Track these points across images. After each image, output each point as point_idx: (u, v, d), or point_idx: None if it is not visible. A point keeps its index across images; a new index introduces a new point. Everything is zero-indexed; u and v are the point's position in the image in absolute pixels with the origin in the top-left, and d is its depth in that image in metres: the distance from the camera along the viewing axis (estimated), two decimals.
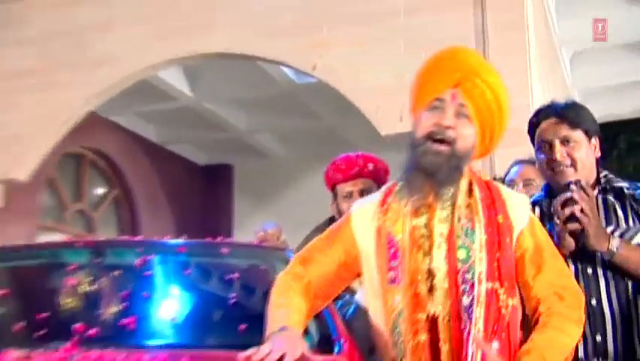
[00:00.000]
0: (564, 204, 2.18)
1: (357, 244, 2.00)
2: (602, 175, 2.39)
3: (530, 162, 3.28)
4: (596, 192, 2.36)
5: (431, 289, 1.85)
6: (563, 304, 1.86)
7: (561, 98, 2.67)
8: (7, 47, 7.63)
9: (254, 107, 9.74)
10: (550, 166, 2.34)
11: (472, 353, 1.78)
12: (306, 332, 2.07)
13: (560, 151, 2.30)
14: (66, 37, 7.38)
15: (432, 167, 1.87)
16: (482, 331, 1.79)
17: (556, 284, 1.89)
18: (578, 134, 2.31)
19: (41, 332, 2.18)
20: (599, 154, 2.37)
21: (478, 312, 1.79)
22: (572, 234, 2.21)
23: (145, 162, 10.59)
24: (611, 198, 2.34)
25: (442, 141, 1.88)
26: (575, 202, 2.16)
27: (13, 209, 7.58)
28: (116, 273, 2.68)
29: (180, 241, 3.13)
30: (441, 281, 1.84)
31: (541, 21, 6.77)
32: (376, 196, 2.09)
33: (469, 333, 1.80)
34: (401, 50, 6.10)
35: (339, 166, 3.32)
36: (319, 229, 3.30)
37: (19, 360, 1.76)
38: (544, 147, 2.36)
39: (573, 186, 2.20)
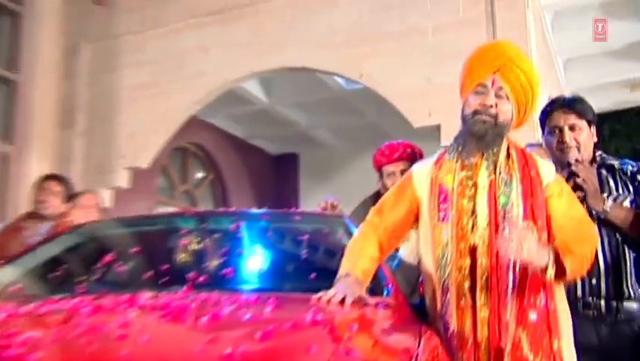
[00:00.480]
0: (568, 178, 2.20)
1: (417, 194, 2.06)
2: (597, 154, 2.43)
3: (538, 145, 3.31)
4: (593, 167, 2.37)
5: (473, 227, 1.90)
6: (579, 231, 1.94)
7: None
8: (130, 68, 7.67)
9: (313, 108, 9.70)
10: (559, 147, 2.38)
11: (512, 264, 1.81)
12: None
13: (568, 135, 2.34)
14: (172, 59, 7.41)
15: (480, 132, 1.95)
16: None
17: (574, 217, 1.95)
18: (582, 123, 2.36)
19: (164, 280, 2.22)
20: (595, 139, 2.41)
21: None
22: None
23: (232, 152, 10.67)
24: (604, 172, 2.37)
25: (481, 114, 1.95)
26: (577, 176, 2.19)
27: (137, 189, 7.71)
28: (216, 235, 2.69)
29: (262, 211, 3.18)
30: (482, 220, 1.90)
31: (540, 35, 6.64)
32: (430, 160, 2.13)
33: (507, 266, 1.83)
34: (429, 60, 6.03)
35: (384, 152, 3.31)
36: (366, 202, 3.39)
37: (150, 299, 1.76)
38: (554, 131, 2.40)
39: (577, 163, 2.25)
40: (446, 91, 5.68)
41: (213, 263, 2.55)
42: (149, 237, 2.99)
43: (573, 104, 2.42)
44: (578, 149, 2.35)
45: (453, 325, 1.88)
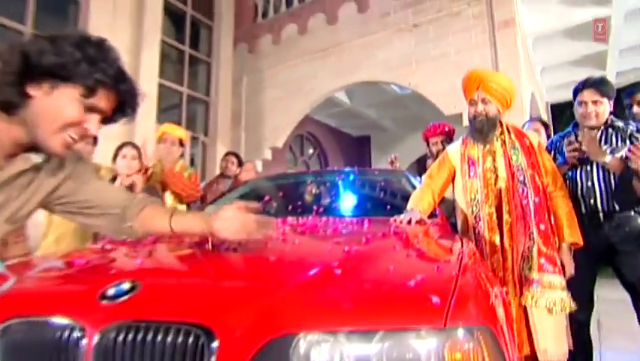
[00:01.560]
0: (569, 144, 2.14)
1: (452, 163, 2.01)
2: (609, 119, 2.18)
3: (537, 119, 3.10)
4: (603, 127, 2.17)
5: (496, 180, 1.85)
6: (560, 184, 1.88)
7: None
8: (270, 89, 7.80)
9: (379, 106, 9.46)
10: (582, 115, 2.17)
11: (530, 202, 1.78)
12: None
13: (590, 108, 2.14)
14: (294, 82, 7.46)
15: (479, 128, 1.92)
16: (532, 189, 1.78)
17: (555, 174, 1.88)
18: (603, 99, 2.15)
19: (299, 210, 2.19)
20: (611, 109, 2.19)
21: (528, 183, 1.77)
22: (573, 157, 2.13)
23: (329, 136, 10.60)
24: (610, 130, 2.16)
25: (478, 117, 1.91)
26: (576, 142, 2.10)
27: (275, 160, 7.81)
28: (327, 184, 2.66)
29: (352, 169, 3.06)
30: (502, 173, 1.84)
31: (525, 52, 6.26)
32: (457, 143, 2.09)
33: (526, 195, 1.79)
34: (453, 72, 5.76)
35: (430, 129, 3.20)
36: (413, 163, 3.32)
37: (293, 220, 1.76)
38: (582, 104, 2.18)
39: (584, 133, 2.11)
40: None
41: (326, 200, 2.50)
42: (288, 186, 2.94)
43: (597, 85, 2.19)
44: (597, 118, 2.16)
45: (486, 238, 1.82)
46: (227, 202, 2.66)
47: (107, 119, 1.03)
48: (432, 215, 1.97)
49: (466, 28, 5.99)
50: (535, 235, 1.76)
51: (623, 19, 6.54)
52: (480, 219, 1.86)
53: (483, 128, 1.93)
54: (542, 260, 1.72)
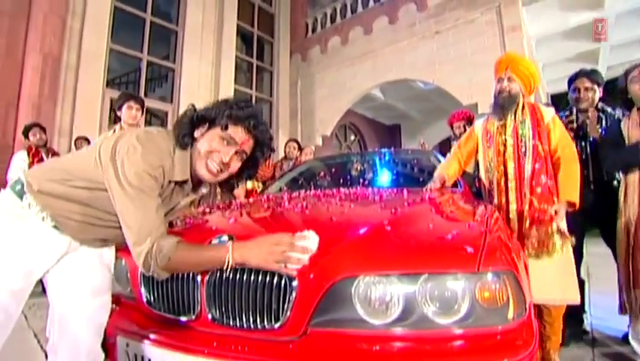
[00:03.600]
0: (577, 119, 2.01)
1: (477, 136, 1.88)
2: (599, 104, 2.08)
3: (545, 104, 2.91)
4: (596, 112, 2.05)
5: (505, 150, 1.71)
6: (567, 152, 1.67)
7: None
8: (319, 89, 7.72)
9: (407, 100, 9.08)
10: (576, 99, 2.06)
11: (530, 168, 1.64)
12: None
13: (583, 93, 2.04)
14: (338, 83, 7.34)
15: (501, 103, 1.74)
16: (531, 158, 1.64)
17: (564, 143, 1.67)
18: (593, 85, 2.04)
19: (348, 183, 2.14)
20: (601, 94, 2.07)
21: (528, 153, 1.64)
22: (573, 130, 1.99)
23: (367, 125, 10.34)
24: (601, 114, 2.04)
25: (502, 93, 1.74)
26: (582, 121, 1.96)
27: (325, 146, 7.74)
28: (370, 162, 2.51)
29: (388, 150, 2.96)
30: (509, 145, 1.70)
31: (530, 52, 5.83)
32: (482, 119, 1.94)
33: (523, 163, 1.66)
34: (470, 69, 5.50)
35: (454, 115, 3.03)
36: (439, 144, 3.15)
37: (345, 191, 1.70)
38: (576, 90, 2.08)
39: (585, 113, 1.99)
40: (480, 84, 5.29)
41: (370, 175, 2.39)
42: (338, 164, 2.80)
43: (589, 74, 2.08)
44: (588, 101, 2.04)
45: (496, 200, 1.73)
46: (290, 178, 2.74)
47: (249, 159, 1.01)
48: (456, 185, 1.89)
49: (479, 33, 5.63)
50: (529, 196, 1.64)
51: (614, 21, 6.03)
52: (493, 184, 1.76)
53: (504, 104, 1.76)
54: (536, 215, 1.61)
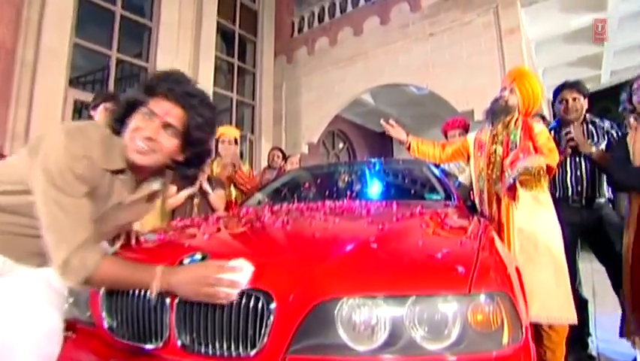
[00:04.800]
0: (566, 133, 2.06)
1: (469, 143, 1.98)
2: (587, 116, 2.19)
3: (535, 114, 3.02)
4: (584, 124, 2.16)
5: (496, 158, 1.80)
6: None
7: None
8: (306, 93, 7.76)
9: (399, 106, 9.16)
10: (564, 110, 2.16)
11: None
12: (440, 193, 2.05)
13: (571, 104, 2.14)
14: (326, 86, 7.40)
15: (494, 110, 1.88)
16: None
17: (544, 145, 1.75)
18: (579, 96, 2.15)
19: (334, 195, 2.17)
20: (587, 106, 2.18)
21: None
22: (570, 147, 2.06)
23: (356, 132, 10.42)
24: (590, 126, 2.15)
25: (499, 100, 1.86)
26: (571, 134, 2.04)
27: (311, 154, 7.77)
28: (358, 173, 2.56)
29: (379, 160, 2.98)
30: (500, 151, 1.80)
31: (529, 56, 5.98)
32: (475, 132, 2.05)
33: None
34: (465, 73, 5.64)
35: (449, 123, 3.08)
36: None
37: (330, 204, 1.74)
38: (562, 101, 2.17)
39: (573, 126, 2.07)
40: (476, 90, 5.40)
41: (358, 187, 2.43)
42: (324, 175, 2.86)
43: (574, 85, 2.20)
44: (576, 111, 2.15)
45: (487, 211, 1.82)
46: (272, 189, 2.74)
47: (191, 140, 0.98)
48: (450, 198, 1.93)
49: (476, 35, 5.77)
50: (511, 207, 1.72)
51: (617, 24, 6.23)
52: (483, 193, 1.84)
53: (497, 110, 1.89)
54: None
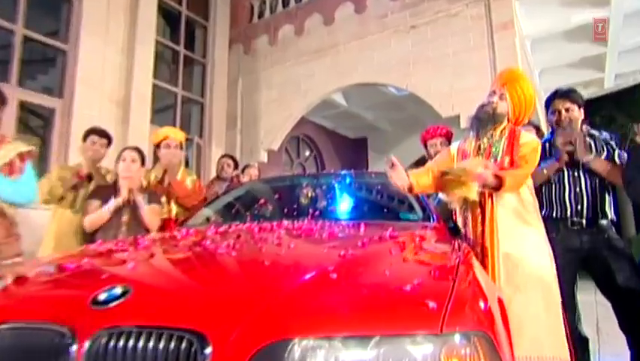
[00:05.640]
0: (564, 137, 2.19)
1: (453, 156, 2.05)
2: (584, 127, 2.31)
3: (528, 123, 3.17)
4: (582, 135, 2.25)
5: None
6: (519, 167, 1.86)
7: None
8: (266, 90, 7.77)
9: (376, 108, 9.42)
10: (557, 122, 2.30)
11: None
12: (417, 212, 2.12)
13: (564, 115, 2.26)
14: (290, 83, 7.45)
15: (479, 117, 1.97)
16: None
17: (523, 157, 1.86)
18: (573, 106, 2.26)
19: (294, 213, 2.20)
20: (583, 116, 2.30)
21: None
22: (567, 153, 2.18)
23: (326, 138, 10.55)
24: (588, 139, 2.25)
25: (486, 107, 1.96)
26: (569, 139, 2.16)
27: (271, 163, 7.77)
28: (323, 187, 2.61)
29: (349, 172, 3.01)
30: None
31: (523, 54, 6.28)
32: (459, 141, 2.14)
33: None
34: (451, 73, 5.86)
35: (429, 131, 3.18)
36: (412, 165, 3.31)
37: (289, 224, 1.75)
38: (555, 112, 2.30)
39: (565, 129, 2.22)
40: (463, 92, 5.61)
41: (323, 203, 2.46)
42: (284, 189, 2.92)
43: (567, 94, 2.33)
44: (570, 122, 2.27)
45: (471, 234, 1.89)
46: (221, 205, 2.72)
47: None
48: (428, 218, 1.97)
49: (464, 29, 6.02)
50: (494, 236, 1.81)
51: (622, 21, 6.59)
52: (467, 211, 1.91)
53: (484, 119, 1.97)
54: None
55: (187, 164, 7.09)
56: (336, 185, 2.63)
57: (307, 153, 10.47)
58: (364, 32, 6.86)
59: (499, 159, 1.88)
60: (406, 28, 6.48)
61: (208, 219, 2.37)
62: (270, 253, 1.18)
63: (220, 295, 0.91)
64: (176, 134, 3.14)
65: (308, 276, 0.96)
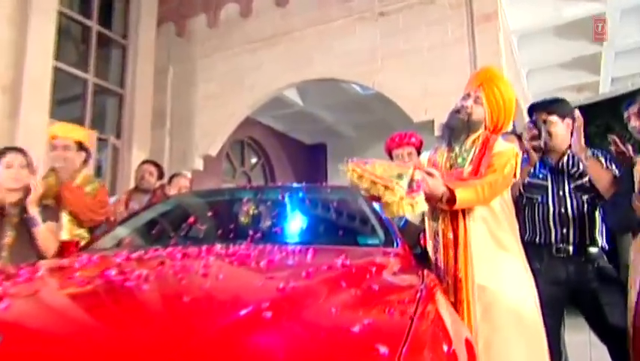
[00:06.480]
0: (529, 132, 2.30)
1: (424, 166, 2.07)
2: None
3: (510, 132, 3.28)
4: (571, 153, 2.33)
5: None
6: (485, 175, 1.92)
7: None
8: (203, 83, 7.76)
9: (337, 109, 9.61)
10: (532, 137, 2.39)
11: None
12: (377, 236, 2.14)
13: (543, 130, 2.34)
14: (233, 75, 7.47)
15: (452, 125, 2.03)
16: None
17: (491, 168, 1.93)
18: (553, 117, 2.32)
19: (231, 235, 2.19)
20: (571, 129, 2.33)
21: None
22: (534, 149, 2.28)
23: (276, 143, 10.66)
24: (577, 157, 2.30)
25: (460, 112, 2.02)
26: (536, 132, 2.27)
27: (208, 172, 7.77)
28: (268, 203, 2.64)
29: (301, 185, 3.11)
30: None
31: (509, 52, 6.59)
32: (430, 151, 2.20)
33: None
34: (425, 71, 6.04)
35: (394, 139, 3.23)
36: None
37: (222, 249, 1.74)
38: (535, 125, 2.39)
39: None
40: (438, 94, 5.77)
41: (266, 224, 2.48)
42: (220, 204, 2.93)
43: (546, 105, 2.40)
44: (551, 137, 2.33)
45: (441, 262, 1.94)
46: (139, 224, 2.65)
47: None
48: (391, 243, 2.02)
49: (440, 20, 6.23)
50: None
51: (619, 17, 6.98)
52: (438, 237, 1.96)
53: (457, 127, 2.03)
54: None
55: (98, 171, 6.87)
56: (283, 201, 2.64)
57: (253, 161, 10.53)
58: (325, 18, 6.98)
59: (466, 165, 1.96)
60: (374, 15, 6.65)
61: (120, 242, 2.32)
62: (191, 287, 1.17)
63: (123, 343, 0.88)
64: (67, 133, 3.08)
65: (235, 316, 0.95)
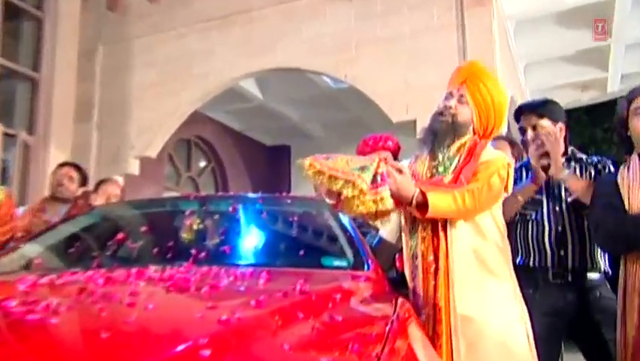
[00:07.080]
0: (537, 148, 2.31)
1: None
2: (569, 149, 2.45)
3: (501, 137, 3.33)
4: (564, 159, 2.38)
5: None
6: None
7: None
8: (140, 68, 7.69)
9: (304, 104, 9.67)
10: (523, 142, 2.47)
11: None
12: (345, 256, 2.16)
13: (531, 135, 2.39)
14: (178, 60, 7.42)
15: (436, 129, 2.06)
16: None
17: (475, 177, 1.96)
18: (542, 121, 2.37)
19: (169, 255, 2.17)
20: (564, 133, 2.40)
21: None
22: (543, 170, 2.29)
23: (230, 143, 10.63)
24: (573, 163, 2.40)
25: (443, 115, 2.05)
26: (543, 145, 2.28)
27: (146, 177, 7.66)
28: (216, 216, 2.64)
29: (257, 195, 3.10)
30: None
31: (504, 41, 6.71)
32: (409, 159, 2.23)
33: None
34: (406, 62, 6.11)
35: (367, 142, 3.26)
36: None
37: (156, 272, 1.72)
38: (522, 131, 2.46)
39: (546, 135, 2.32)
40: (422, 89, 5.83)
41: (213, 241, 2.49)
42: (157, 217, 2.95)
43: (535, 107, 2.47)
44: (541, 145, 2.36)
45: (420, 288, 1.94)
46: (54, 241, 2.60)
47: None
48: (361, 265, 2.02)
49: (426, 2, 6.30)
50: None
51: (630, 7, 7.19)
52: (417, 259, 1.97)
53: (440, 130, 2.06)
54: None
55: (4, 175, 6.73)
56: (235, 214, 2.64)
57: (202, 164, 10.51)
58: None
59: (449, 172, 2.00)
60: None
61: (28, 264, 2.27)
62: (112, 320, 1.15)
63: None
64: None
65: (166, 356, 0.94)
